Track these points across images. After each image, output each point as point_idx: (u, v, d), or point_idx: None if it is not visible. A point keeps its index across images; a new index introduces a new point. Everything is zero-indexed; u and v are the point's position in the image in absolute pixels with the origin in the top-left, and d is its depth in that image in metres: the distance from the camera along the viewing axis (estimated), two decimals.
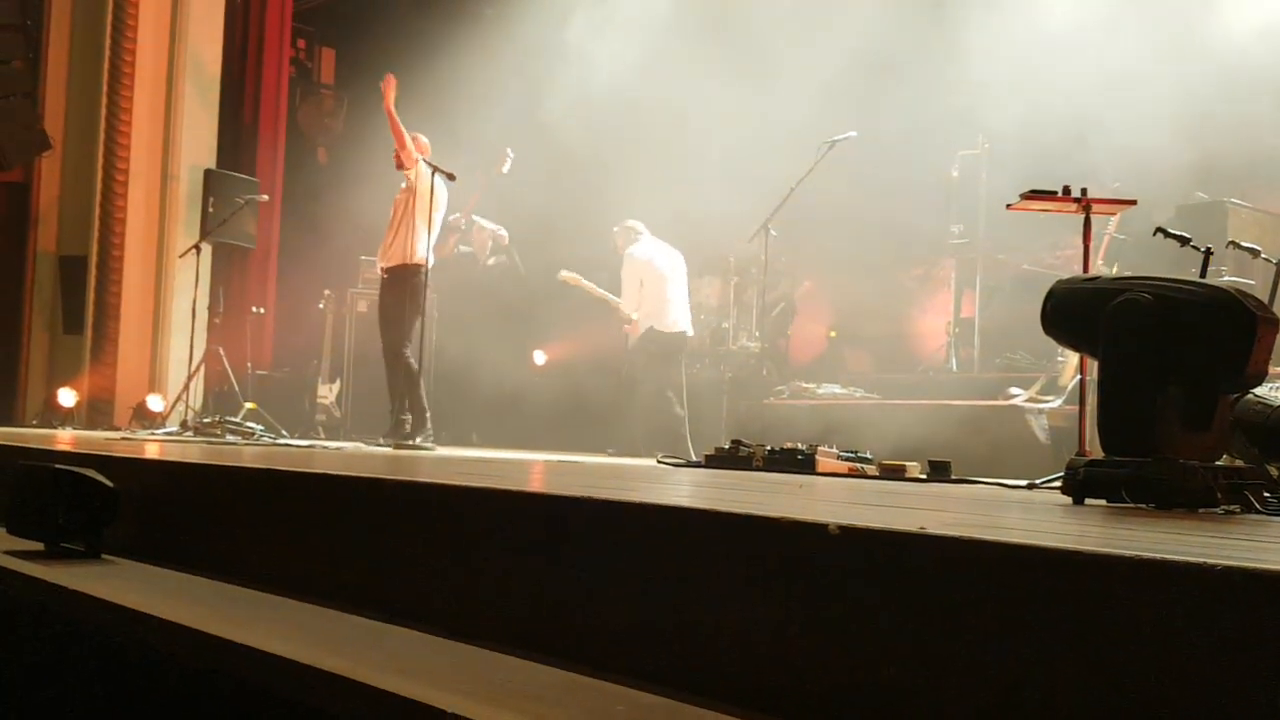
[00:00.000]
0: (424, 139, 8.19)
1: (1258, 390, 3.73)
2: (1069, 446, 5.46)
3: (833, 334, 10.19)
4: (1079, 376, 4.88)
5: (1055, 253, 8.23)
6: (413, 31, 11.23)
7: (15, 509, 3.42)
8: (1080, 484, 3.24)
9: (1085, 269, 4.73)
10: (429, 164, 7.87)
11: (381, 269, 8.17)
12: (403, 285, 7.95)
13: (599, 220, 9.35)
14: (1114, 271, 6.88)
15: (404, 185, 8.14)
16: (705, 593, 1.92)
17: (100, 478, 3.29)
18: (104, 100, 11.01)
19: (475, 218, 10.59)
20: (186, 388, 9.44)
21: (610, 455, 7.97)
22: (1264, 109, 7.34)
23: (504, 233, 10.64)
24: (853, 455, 5.56)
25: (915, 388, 8.24)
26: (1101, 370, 3.43)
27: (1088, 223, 4.66)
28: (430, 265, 8.09)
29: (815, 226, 9.52)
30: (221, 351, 9.74)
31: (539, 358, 10.56)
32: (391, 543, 2.68)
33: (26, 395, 11.22)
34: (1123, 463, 3.14)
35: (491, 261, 10.63)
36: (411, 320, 7.91)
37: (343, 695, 1.91)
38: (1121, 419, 3.21)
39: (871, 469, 5.43)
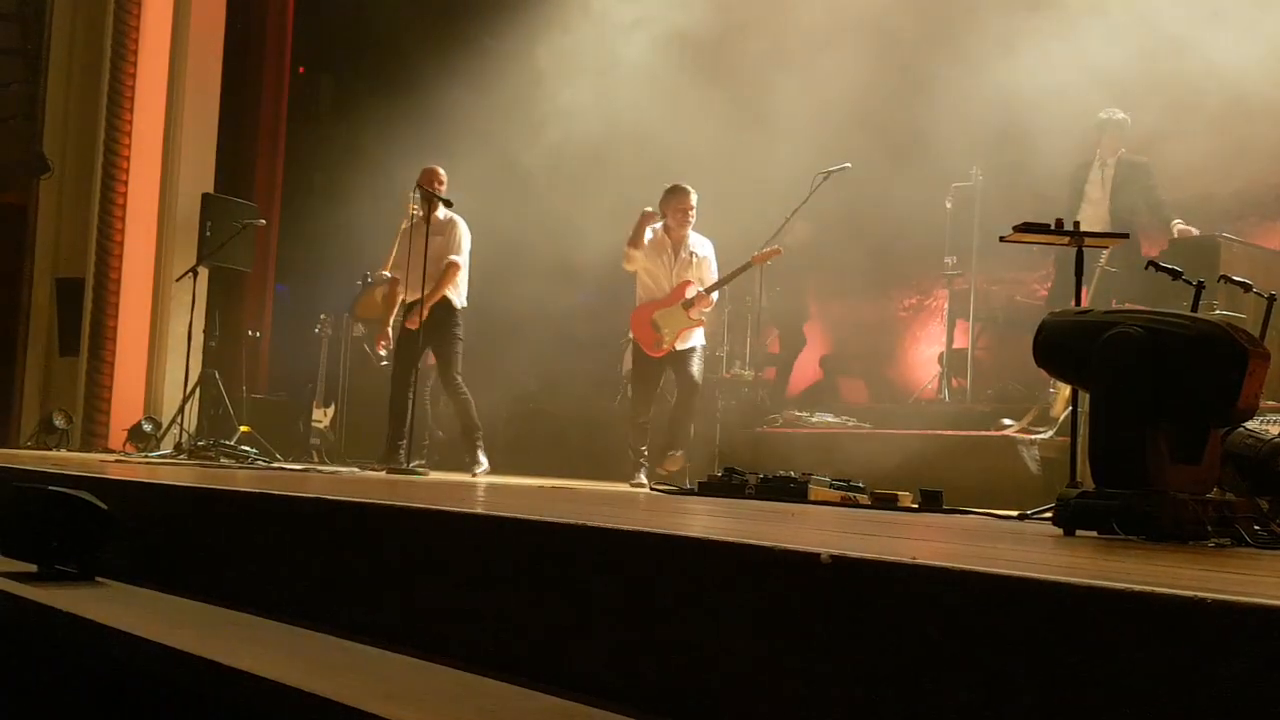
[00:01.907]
0: (442, 171, 8.10)
1: (1248, 424, 3.75)
2: (1060, 478, 5.47)
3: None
4: (1070, 408, 4.89)
5: (1048, 284, 8.26)
6: (413, 58, 11.28)
7: (9, 530, 3.43)
8: (1071, 516, 3.25)
9: (1077, 302, 4.76)
10: (428, 192, 7.85)
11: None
12: (437, 321, 7.99)
13: (592, 246, 9.38)
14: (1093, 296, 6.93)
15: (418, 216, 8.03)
16: (697, 622, 1.93)
17: (94, 500, 3.29)
18: (103, 124, 11.08)
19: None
20: (182, 411, 9.44)
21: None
22: (1257, 143, 7.39)
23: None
24: (845, 484, 5.55)
25: (908, 417, 8.25)
26: (1093, 403, 3.45)
27: (1080, 256, 4.68)
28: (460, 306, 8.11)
29: (810, 257, 9.56)
30: (217, 375, 9.74)
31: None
32: (384, 567, 2.68)
33: (21, 417, 11.23)
34: (1114, 495, 3.15)
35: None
36: (456, 360, 8.02)
37: (332, 719, 1.92)
38: (1113, 451, 3.22)
39: (863, 498, 5.43)
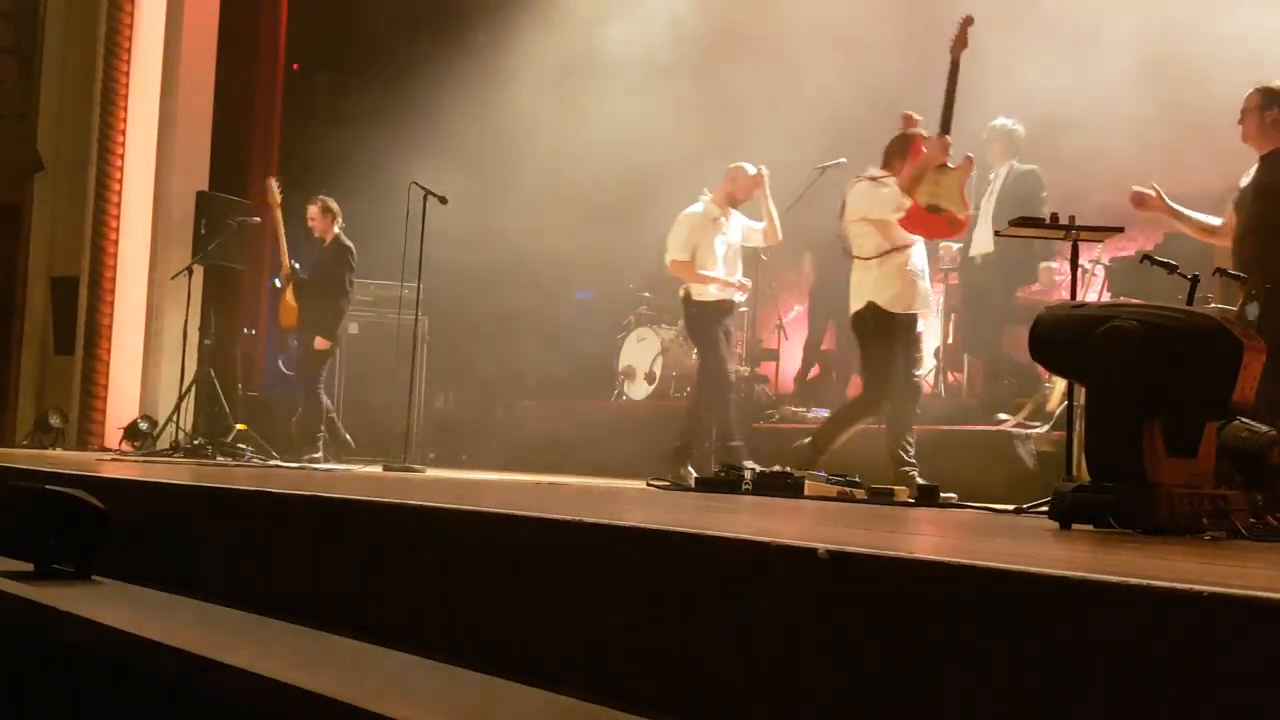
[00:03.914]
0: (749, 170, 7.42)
1: (1244, 417, 3.76)
2: (1056, 472, 5.48)
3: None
4: (1066, 402, 4.90)
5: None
6: (408, 55, 11.26)
7: (5, 529, 3.42)
8: (1067, 509, 3.26)
9: (1073, 296, 4.77)
10: (421, 187, 7.82)
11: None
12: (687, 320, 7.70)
13: (590, 243, 9.37)
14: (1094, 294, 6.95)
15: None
16: (696, 618, 1.93)
17: (90, 499, 3.28)
18: (97, 122, 11.04)
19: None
20: (177, 409, 9.42)
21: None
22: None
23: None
24: (841, 479, 5.56)
25: None
26: (1088, 396, 3.46)
27: (1075, 250, 4.69)
28: (713, 299, 7.44)
29: (806, 251, 9.56)
30: (212, 373, 9.71)
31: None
32: (379, 564, 2.68)
33: (17, 416, 11.21)
34: (1109, 488, 3.16)
35: (337, 231, 9.35)
36: (703, 359, 7.63)
37: (330, 717, 1.92)
38: (1108, 445, 3.23)
39: (860, 493, 5.44)
